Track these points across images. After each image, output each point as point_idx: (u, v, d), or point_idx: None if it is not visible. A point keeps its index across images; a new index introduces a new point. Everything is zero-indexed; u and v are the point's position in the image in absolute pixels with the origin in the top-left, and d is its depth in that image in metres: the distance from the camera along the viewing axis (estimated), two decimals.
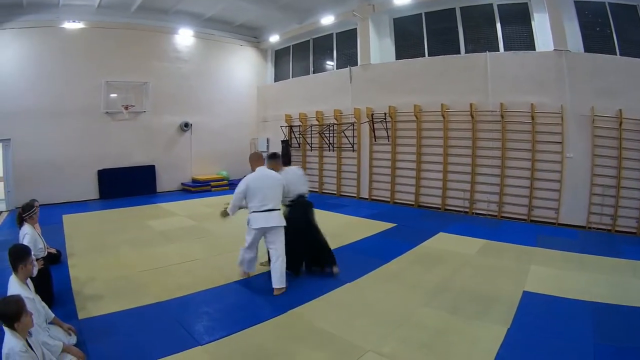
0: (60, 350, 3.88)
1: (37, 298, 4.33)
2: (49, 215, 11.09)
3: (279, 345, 4.55)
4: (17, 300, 3.34)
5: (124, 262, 7.54)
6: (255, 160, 6.38)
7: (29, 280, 4.33)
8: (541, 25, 10.62)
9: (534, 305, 5.41)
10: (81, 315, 5.27)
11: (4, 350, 3.22)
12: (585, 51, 10.07)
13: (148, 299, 5.76)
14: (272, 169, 6.40)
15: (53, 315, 4.50)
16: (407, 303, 5.60)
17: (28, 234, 5.79)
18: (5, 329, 3.26)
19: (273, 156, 6.75)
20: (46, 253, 6.20)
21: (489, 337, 4.55)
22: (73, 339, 4.45)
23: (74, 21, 14.17)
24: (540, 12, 10.66)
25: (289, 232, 6.25)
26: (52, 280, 5.86)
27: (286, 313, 5.32)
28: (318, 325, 4.97)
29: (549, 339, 4.53)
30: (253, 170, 6.26)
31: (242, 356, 4.31)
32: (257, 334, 4.79)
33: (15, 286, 4.01)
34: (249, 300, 5.86)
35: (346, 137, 14.96)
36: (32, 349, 3.35)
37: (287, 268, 6.18)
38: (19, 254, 4.15)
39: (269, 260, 6.22)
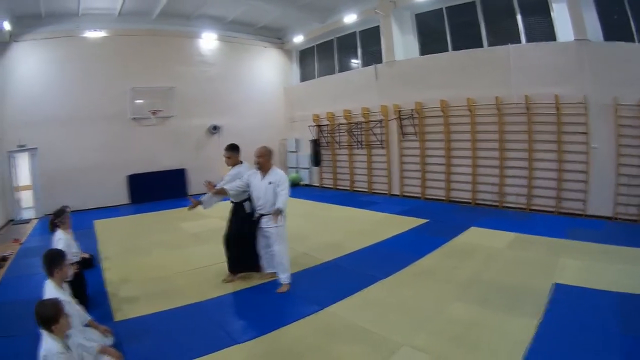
0: (96, 351, 4.05)
1: (73, 301, 4.51)
2: (80, 221, 11.56)
3: (314, 341, 4.76)
4: (55, 303, 3.51)
5: (158, 264, 7.97)
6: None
7: (64, 284, 4.52)
8: (560, 15, 10.84)
9: (563, 297, 5.55)
10: (117, 317, 5.58)
11: (41, 352, 3.36)
12: (604, 40, 10.27)
13: (183, 300, 6.07)
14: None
15: (89, 317, 4.70)
16: (440, 297, 5.83)
17: (62, 239, 6.00)
18: (43, 332, 3.42)
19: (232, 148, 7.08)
20: (80, 257, 6.53)
21: (520, 329, 4.70)
22: (109, 341, 4.67)
23: (95, 30, 15.07)
24: (558, 2, 10.86)
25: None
26: (86, 284, 6.16)
27: (321, 310, 5.57)
28: (352, 321, 5.19)
29: (578, 330, 4.65)
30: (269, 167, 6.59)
31: (278, 353, 4.55)
32: (293, 332, 5.03)
33: (51, 290, 4.17)
34: (284, 299, 6.11)
35: (374, 134, 15.52)
36: (70, 350, 3.53)
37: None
38: (55, 258, 4.35)
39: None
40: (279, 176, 6.41)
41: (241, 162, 7.01)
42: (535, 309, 5.19)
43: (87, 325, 4.65)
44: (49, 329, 3.37)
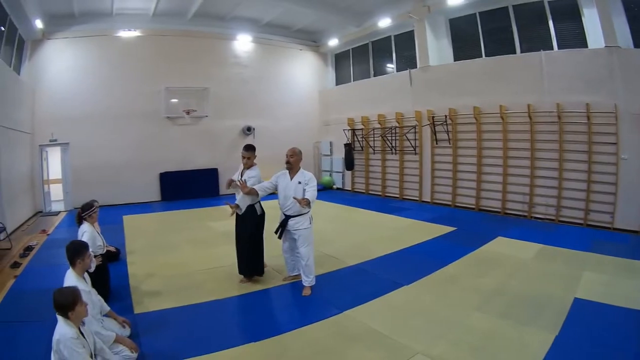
0: (112, 340, 4.22)
1: (93, 291, 4.68)
2: (109, 216, 12.15)
3: (331, 343, 4.85)
4: (73, 291, 3.62)
5: (183, 261, 8.17)
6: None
7: (85, 274, 4.68)
8: (591, 22, 10.78)
9: (583, 312, 5.54)
10: (137, 309, 5.77)
11: (55, 336, 3.45)
12: (634, 47, 10.14)
13: (205, 297, 6.25)
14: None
15: (108, 308, 4.93)
16: (461, 306, 5.88)
17: (87, 232, 6.13)
18: (59, 317, 3.53)
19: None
20: (105, 250, 6.72)
21: (537, 343, 4.71)
22: (127, 332, 4.87)
23: (129, 29, 15.68)
24: (589, 7, 10.79)
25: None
26: (109, 276, 6.39)
27: (342, 313, 5.67)
28: (371, 326, 5.25)
29: (594, 347, 4.64)
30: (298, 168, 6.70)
31: (294, 353, 4.64)
32: (311, 333, 5.13)
33: (71, 279, 4.34)
34: (304, 301, 6.23)
35: (408, 140, 15.63)
36: (84, 337, 3.61)
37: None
38: (77, 249, 4.51)
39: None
40: (308, 176, 6.54)
41: (255, 164, 7.17)
42: (554, 323, 5.23)
43: (106, 315, 4.90)
44: (65, 315, 3.49)
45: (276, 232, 6.70)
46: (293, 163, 6.59)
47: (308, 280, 6.54)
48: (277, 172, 6.76)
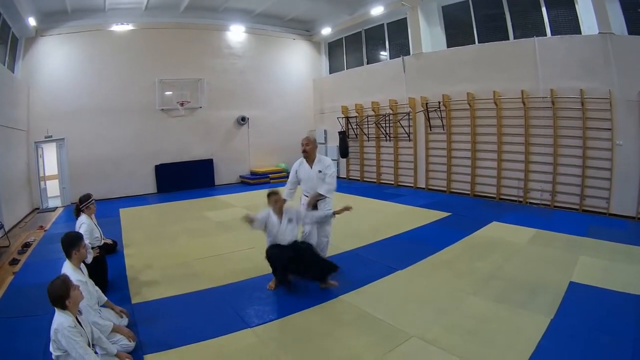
0: (110, 329, 4.24)
1: (90, 282, 4.68)
2: (106, 209, 12.13)
3: (325, 328, 4.88)
4: (63, 279, 3.63)
5: (180, 251, 8.14)
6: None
7: (82, 265, 4.69)
8: (585, 8, 10.63)
9: (578, 296, 5.53)
10: (135, 299, 5.81)
11: (53, 326, 3.48)
12: (628, 33, 10.02)
13: (202, 285, 6.29)
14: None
15: (105, 298, 4.92)
16: (456, 291, 5.88)
17: (85, 224, 6.36)
18: (57, 309, 3.54)
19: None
20: (102, 242, 6.86)
21: (532, 326, 4.70)
22: (124, 321, 4.88)
23: (122, 24, 15.47)
24: None
25: None
26: (107, 267, 6.46)
27: (336, 298, 5.69)
28: (366, 311, 5.28)
29: (590, 330, 4.63)
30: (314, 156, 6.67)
31: (289, 337, 4.71)
32: (305, 318, 5.16)
33: (68, 270, 4.34)
34: (300, 286, 6.16)
35: (402, 127, 15.51)
36: (81, 326, 3.61)
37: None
38: (72, 241, 4.52)
39: None
40: (327, 163, 6.62)
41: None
42: (550, 307, 5.21)
43: (104, 306, 4.88)
44: (62, 305, 3.51)
45: None
46: (309, 151, 6.62)
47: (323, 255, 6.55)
48: (292, 164, 6.88)
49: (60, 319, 3.47)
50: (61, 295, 3.48)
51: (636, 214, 9.77)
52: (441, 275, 6.52)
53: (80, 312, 3.74)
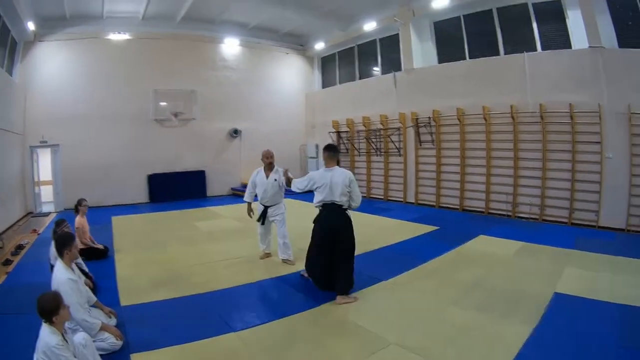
0: (98, 327, 4.30)
1: (81, 280, 4.75)
2: (98, 217, 12.08)
3: (307, 334, 4.91)
4: (55, 295, 3.63)
5: (169, 259, 8.17)
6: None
7: (74, 265, 4.74)
8: (575, 23, 10.72)
9: (562, 306, 5.50)
10: (124, 302, 5.85)
11: (40, 347, 3.44)
12: (619, 47, 10.07)
13: (189, 291, 6.31)
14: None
15: (95, 298, 4.95)
16: (439, 300, 5.85)
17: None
18: (43, 324, 3.50)
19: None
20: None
21: (513, 335, 4.67)
22: (113, 321, 4.94)
23: (119, 32, 15.56)
24: (573, 9, 10.76)
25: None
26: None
27: (320, 306, 5.70)
28: (348, 318, 5.29)
29: (572, 339, 4.58)
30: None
31: (272, 342, 4.70)
32: (289, 324, 5.19)
33: (61, 269, 4.40)
34: (286, 294, 6.31)
35: (392, 142, 15.52)
36: (67, 342, 3.59)
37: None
38: (63, 241, 4.62)
39: None
40: (280, 172, 7.57)
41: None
42: (532, 317, 5.16)
43: (93, 306, 4.90)
44: (50, 320, 3.46)
45: (258, 220, 7.76)
46: (274, 163, 7.85)
47: (288, 254, 7.57)
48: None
49: (47, 339, 3.43)
50: (50, 310, 3.45)
51: (626, 226, 9.76)
52: (424, 286, 6.49)
53: (65, 331, 3.70)
